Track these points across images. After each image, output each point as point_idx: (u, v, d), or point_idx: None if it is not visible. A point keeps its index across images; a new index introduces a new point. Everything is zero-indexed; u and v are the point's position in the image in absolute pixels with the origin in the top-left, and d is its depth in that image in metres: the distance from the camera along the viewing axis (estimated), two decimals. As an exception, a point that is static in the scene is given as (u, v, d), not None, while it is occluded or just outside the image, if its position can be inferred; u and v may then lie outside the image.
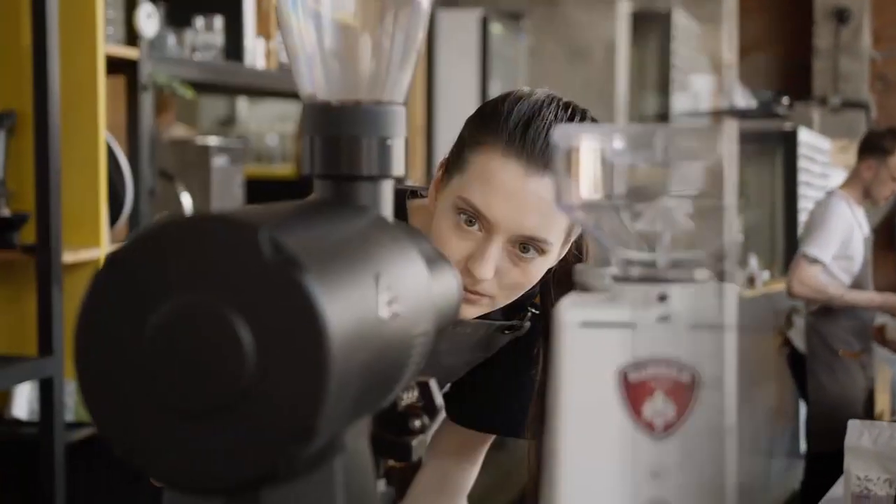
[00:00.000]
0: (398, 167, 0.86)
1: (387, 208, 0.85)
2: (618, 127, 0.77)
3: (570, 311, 0.71)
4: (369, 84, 0.86)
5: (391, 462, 0.92)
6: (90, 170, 2.54)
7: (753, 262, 6.40)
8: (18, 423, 2.70)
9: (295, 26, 0.86)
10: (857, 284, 4.42)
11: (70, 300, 2.45)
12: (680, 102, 5.36)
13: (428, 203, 1.38)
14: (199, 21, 3.09)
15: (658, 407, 0.70)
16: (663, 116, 7.35)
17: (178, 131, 4.10)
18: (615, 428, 0.70)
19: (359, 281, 0.69)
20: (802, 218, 7.19)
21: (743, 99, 5.75)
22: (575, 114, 1.29)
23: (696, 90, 5.40)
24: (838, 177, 8.35)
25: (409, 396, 0.92)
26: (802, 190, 7.08)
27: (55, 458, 2.44)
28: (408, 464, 0.89)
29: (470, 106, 5.71)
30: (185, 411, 0.64)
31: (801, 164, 6.95)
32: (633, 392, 0.70)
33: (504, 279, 1.29)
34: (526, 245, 1.27)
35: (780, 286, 6.60)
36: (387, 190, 0.86)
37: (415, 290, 0.78)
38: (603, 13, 5.59)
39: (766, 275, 6.22)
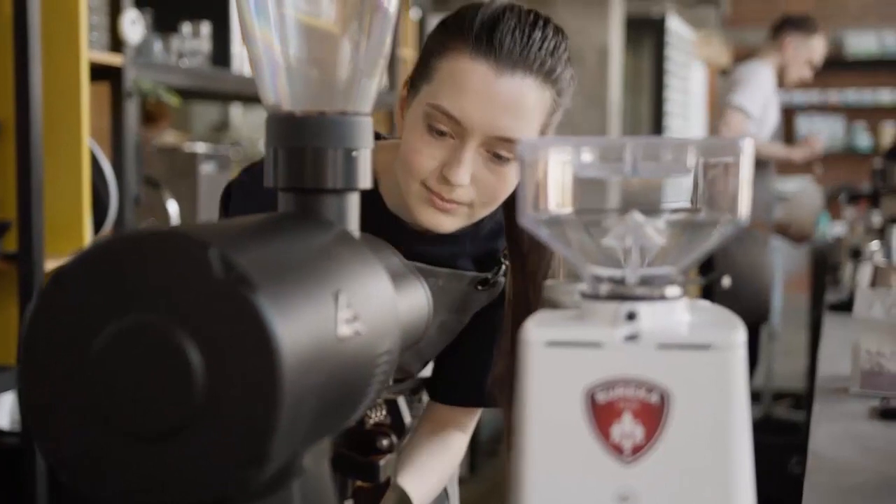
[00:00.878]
0: (364, 179, 0.84)
1: (353, 222, 0.83)
2: (585, 140, 0.75)
3: (535, 330, 0.69)
4: (335, 94, 0.84)
5: (358, 482, 0.90)
6: (73, 177, 2.52)
7: None
8: (1, 432, 2.68)
9: (258, 34, 0.83)
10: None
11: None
12: None
13: (396, 122, 1.37)
14: (186, 27, 3.07)
15: (626, 429, 0.68)
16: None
17: (170, 138, 4.07)
18: (582, 450, 0.68)
19: (316, 299, 0.67)
20: (668, 108, 7.34)
21: None
22: (538, 18, 1.28)
23: None
24: (698, 69, 8.53)
25: (377, 415, 0.90)
26: (666, 79, 7.20)
27: (37, 468, 2.41)
28: (376, 484, 0.87)
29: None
30: (132, 434, 0.62)
31: (668, 52, 7.05)
32: (601, 414, 0.68)
33: (481, 186, 1.27)
34: (499, 154, 1.26)
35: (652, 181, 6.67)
36: (353, 203, 0.83)
37: (378, 307, 0.75)
38: (596, 19, 5.57)
39: None
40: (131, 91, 2.69)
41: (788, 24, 4.61)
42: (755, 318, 4.53)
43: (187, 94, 3.30)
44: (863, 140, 10.18)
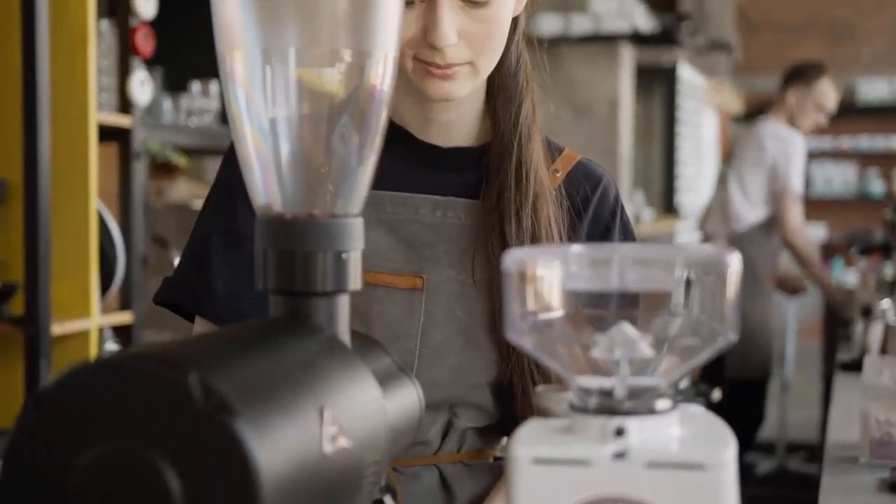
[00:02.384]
0: (355, 281, 0.83)
1: (342, 324, 0.82)
2: (573, 252, 0.75)
3: (522, 447, 0.68)
4: (325, 195, 0.83)
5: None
6: (81, 239, 2.52)
7: (639, 198, 6.40)
8: (7, 494, 2.66)
9: (248, 136, 0.83)
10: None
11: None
12: (579, 24, 5.35)
13: None
14: (195, 86, 3.09)
15: (614, 551, 0.66)
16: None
17: (183, 189, 4.09)
18: (570, 570, 0.67)
19: (300, 417, 0.66)
20: (679, 156, 7.35)
21: (644, 21, 5.71)
22: None
23: (596, 11, 5.36)
24: (710, 115, 8.56)
25: None
26: (678, 127, 7.22)
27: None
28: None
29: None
30: (111, 561, 0.61)
31: (679, 100, 7.07)
32: (589, 534, 0.66)
33: (471, 38, 1.19)
34: (474, 0, 1.17)
35: (666, 225, 6.67)
36: (343, 305, 0.83)
37: (366, 417, 0.75)
38: (606, 70, 5.59)
39: (650, 213, 6.25)
40: (139, 152, 2.70)
41: (790, 76, 4.65)
42: (761, 372, 4.51)
43: (197, 152, 3.31)
44: (875, 186, 10.16)
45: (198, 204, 3.33)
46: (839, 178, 10.24)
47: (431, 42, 1.17)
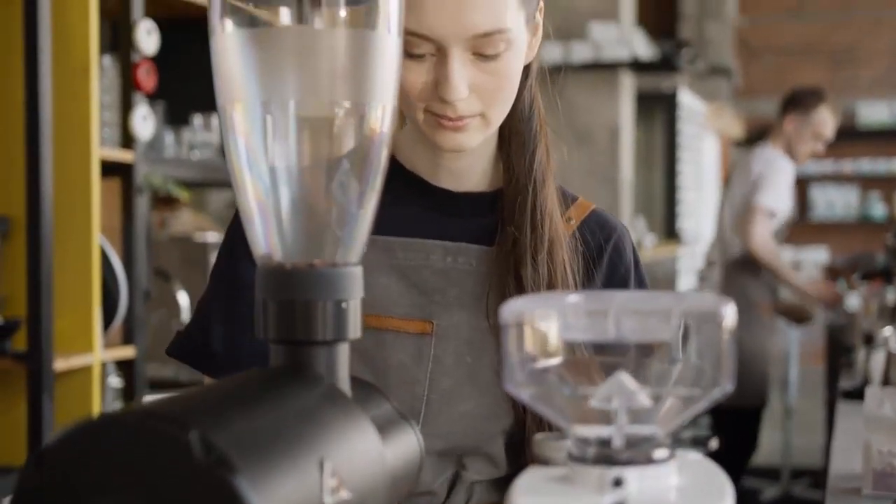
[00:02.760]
0: (355, 329, 0.84)
1: (342, 372, 0.83)
2: (569, 302, 0.76)
3: (521, 497, 0.69)
4: (325, 244, 0.84)
5: None
6: (84, 274, 2.53)
7: (641, 224, 6.40)
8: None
9: (249, 186, 0.84)
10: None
11: (61, 409, 2.42)
12: (580, 52, 5.36)
13: None
14: (197, 119, 3.10)
15: None
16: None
17: (186, 219, 4.10)
18: None
19: (300, 471, 0.67)
20: (680, 181, 7.36)
21: (644, 49, 5.72)
22: None
23: (596, 39, 5.37)
24: (711, 140, 8.59)
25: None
26: (679, 152, 7.23)
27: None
28: None
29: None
30: None
31: (679, 126, 7.09)
32: (587, 586, 0.67)
33: (481, 91, 1.18)
34: (486, 53, 1.16)
35: (668, 250, 6.68)
36: (343, 353, 0.83)
37: (365, 467, 0.75)
38: (606, 97, 5.61)
39: (652, 238, 6.25)
40: (142, 186, 2.71)
41: (788, 103, 4.66)
42: (757, 400, 4.50)
43: (199, 185, 3.33)
44: (877, 209, 10.18)
45: (200, 236, 3.35)
46: (841, 202, 10.25)
47: (442, 96, 1.16)
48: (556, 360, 0.73)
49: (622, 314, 0.71)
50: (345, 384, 0.83)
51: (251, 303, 1.01)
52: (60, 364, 2.46)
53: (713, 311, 0.69)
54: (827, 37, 10.21)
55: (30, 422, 2.38)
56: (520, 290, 1.21)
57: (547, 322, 0.72)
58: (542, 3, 1.25)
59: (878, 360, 3.04)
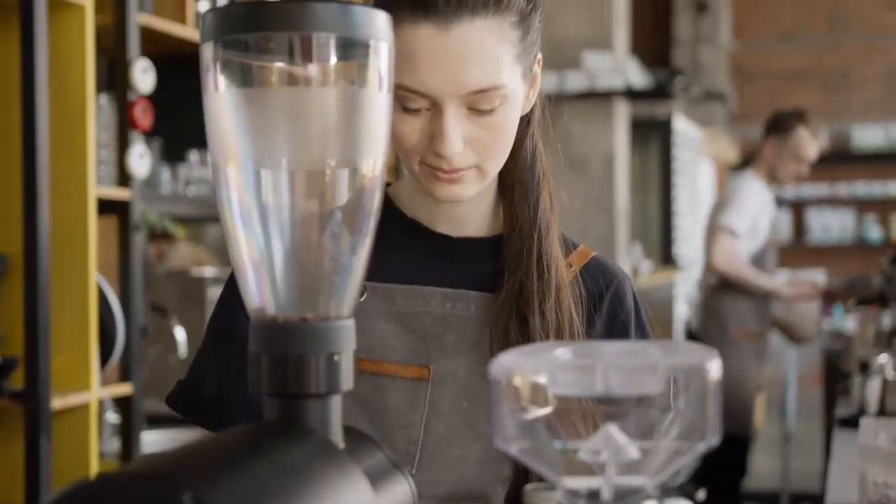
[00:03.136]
0: (347, 382, 0.85)
1: (335, 424, 0.84)
2: (558, 359, 0.77)
3: (512, 552, 0.70)
4: (318, 297, 0.85)
5: None
6: (81, 313, 2.54)
7: (637, 250, 6.40)
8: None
9: (242, 241, 0.85)
10: (755, 262, 4.52)
11: (59, 447, 2.43)
12: (574, 81, 5.38)
13: None
14: (193, 155, 3.12)
15: None
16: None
17: (184, 252, 4.11)
18: None
19: (293, 528, 0.68)
20: (676, 207, 7.37)
21: (638, 77, 5.74)
22: None
23: (590, 68, 5.39)
24: (707, 165, 8.62)
25: None
26: (674, 178, 7.25)
27: None
28: None
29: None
30: None
31: (675, 152, 7.11)
32: None
33: (477, 145, 1.18)
34: (481, 108, 1.16)
35: (664, 276, 6.68)
36: (335, 405, 0.84)
37: (358, 521, 0.76)
38: (601, 125, 5.63)
39: (648, 265, 6.25)
40: (139, 224, 2.72)
41: (768, 126, 4.68)
42: (740, 430, 4.47)
43: (196, 220, 3.34)
44: (873, 232, 10.20)
45: (197, 270, 3.36)
46: (837, 225, 10.28)
47: (437, 150, 1.17)
48: (545, 413, 0.74)
49: (610, 369, 0.72)
50: (337, 436, 0.84)
51: (245, 355, 1.02)
52: (58, 402, 2.46)
53: (699, 366, 0.71)
54: (820, 61, 10.26)
55: (27, 461, 2.38)
56: (525, 337, 1.22)
57: (536, 377, 0.73)
58: (539, 55, 1.26)
59: (873, 388, 3.04)
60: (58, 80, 2.53)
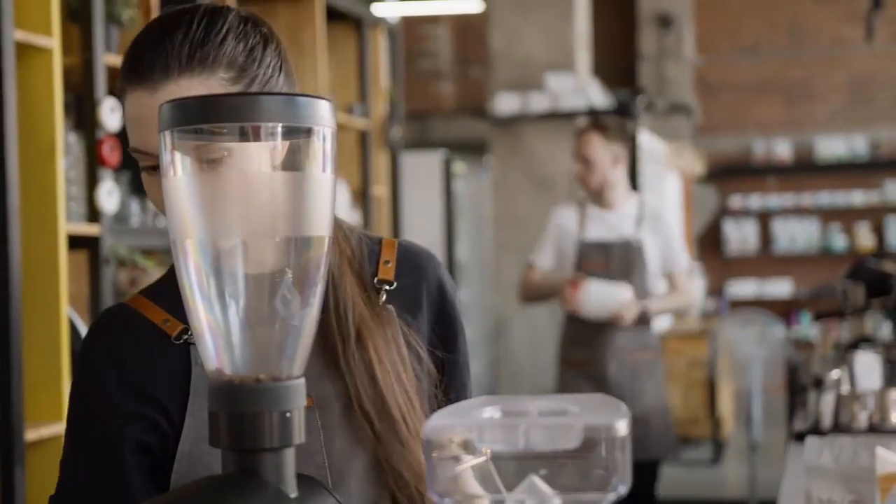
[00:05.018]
0: (299, 435, 0.93)
1: (288, 475, 0.92)
2: (485, 420, 0.85)
3: None
4: (271, 359, 0.93)
5: None
6: (53, 346, 2.60)
7: None
8: None
9: (201, 312, 0.93)
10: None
11: (34, 478, 2.49)
12: (538, 102, 5.39)
13: None
14: (162, 187, 3.19)
15: None
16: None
17: (156, 275, 4.17)
18: None
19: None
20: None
21: (600, 98, 5.78)
22: (181, 16, 1.22)
23: (553, 90, 5.41)
24: (673, 178, 8.75)
25: None
26: (641, 193, 7.35)
27: None
28: None
29: (436, 244, 5.75)
30: None
31: (640, 167, 7.23)
32: None
33: None
34: (213, 158, 1.10)
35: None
36: (289, 458, 0.92)
37: (308, 567, 0.84)
38: (564, 143, 5.73)
39: None
40: (109, 258, 2.79)
41: None
42: (663, 454, 4.30)
43: (167, 251, 3.41)
44: (838, 241, 10.36)
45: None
46: (802, 235, 10.43)
47: None
48: (472, 469, 0.83)
49: (531, 428, 0.80)
50: (291, 486, 0.92)
51: (113, 451, 1.05)
52: (31, 434, 2.53)
53: (610, 425, 0.79)
54: (782, 73, 10.43)
55: (2, 493, 2.44)
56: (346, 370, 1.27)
57: (465, 435, 0.81)
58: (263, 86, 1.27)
59: (827, 403, 3.12)
60: (27, 120, 2.59)
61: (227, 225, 0.91)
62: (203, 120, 0.89)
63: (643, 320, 4.18)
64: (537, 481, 0.81)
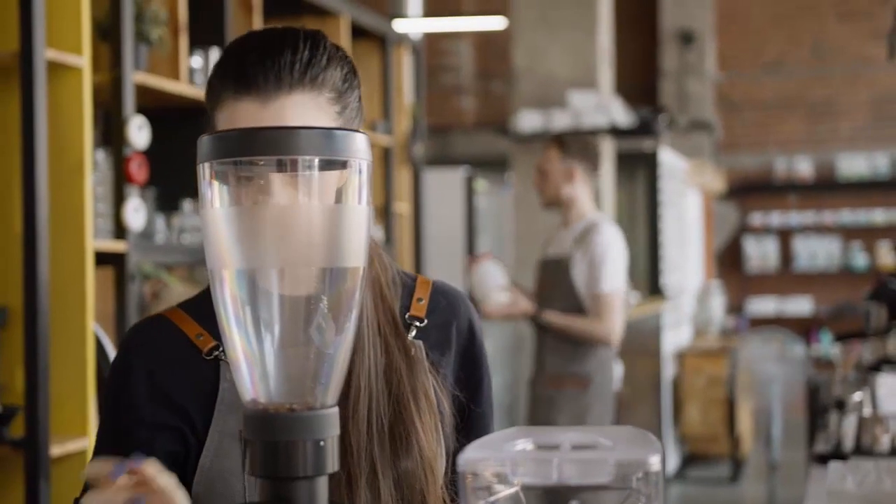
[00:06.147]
0: (333, 464, 0.94)
1: (321, 502, 0.93)
2: (515, 453, 0.86)
3: None
4: (305, 389, 0.95)
5: None
6: (79, 362, 2.63)
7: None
8: None
9: (237, 341, 0.94)
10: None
11: (58, 493, 2.51)
12: (560, 120, 5.40)
13: None
14: (188, 204, 3.21)
15: None
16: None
17: (179, 291, 4.19)
18: None
19: None
20: (664, 238, 7.45)
21: (622, 116, 5.78)
22: (285, 35, 1.25)
23: (576, 107, 5.41)
24: (693, 195, 8.74)
25: None
26: (661, 210, 7.35)
27: None
28: None
29: (457, 260, 5.68)
30: None
31: (661, 184, 7.21)
32: None
33: None
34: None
35: (651, 308, 6.76)
36: (322, 486, 0.93)
37: None
38: (586, 161, 5.73)
39: (636, 296, 6.31)
40: (134, 275, 2.81)
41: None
42: None
43: (190, 266, 3.44)
44: (859, 260, 10.31)
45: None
46: (823, 253, 10.39)
47: None
48: (507, 497, 0.83)
49: (564, 462, 0.81)
50: (325, 516, 0.93)
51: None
52: (56, 450, 2.55)
53: (642, 461, 0.80)
54: (805, 91, 10.40)
55: (28, 507, 2.47)
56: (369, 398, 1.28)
57: (498, 469, 0.82)
58: (350, 116, 1.30)
59: (849, 425, 3.10)
60: (57, 137, 2.62)
61: (264, 256, 0.92)
62: (242, 153, 0.91)
63: (572, 340, 3.95)
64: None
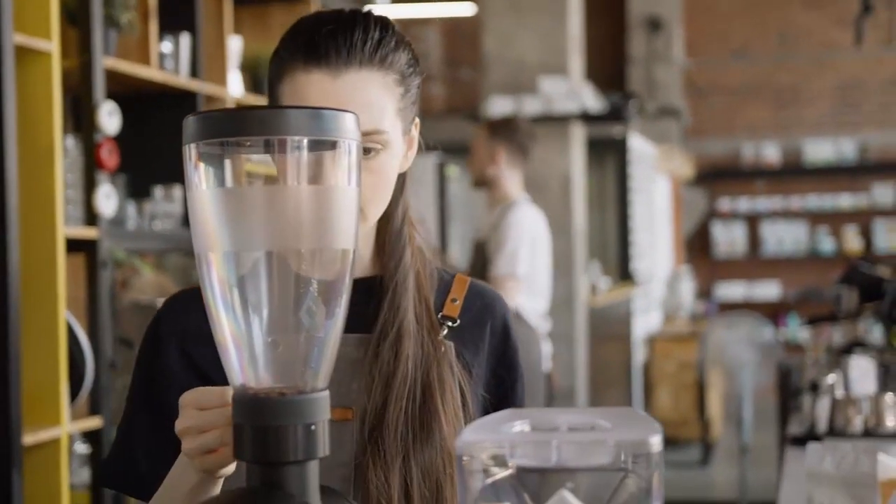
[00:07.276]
0: (324, 448, 0.93)
1: (312, 488, 0.92)
2: (514, 434, 0.85)
3: None
4: (295, 372, 0.93)
5: None
6: (51, 349, 2.59)
7: (596, 268, 6.53)
8: None
9: (224, 323, 0.93)
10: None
11: (31, 482, 2.48)
12: (531, 105, 5.42)
13: None
14: (159, 191, 3.18)
15: None
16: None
17: (149, 279, 4.15)
18: None
19: None
20: (634, 224, 7.51)
21: (593, 102, 5.80)
22: (356, 14, 1.28)
23: (547, 93, 5.44)
24: (662, 181, 8.80)
25: None
26: (631, 195, 7.41)
27: None
28: None
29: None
30: None
31: (631, 169, 7.26)
32: None
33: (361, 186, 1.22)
34: (365, 147, 1.21)
35: (622, 294, 6.80)
36: (313, 471, 0.92)
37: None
38: (558, 147, 5.73)
39: (606, 281, 6.32)
40: (106, 261, 2.78)
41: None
42: None
43: (161, 252, 3.41)
44: (826, 244, 10.39)
45: (160, 301, 3.40)
46: (790, 238, 10.46)
47: None
48: (504, 483, 0.82)
49: (563, 443, 0.80)
50: (315, 498, 0.92)
51: (172, 419, 1.07)
52: (29, 439, 2.52)
53: (644, 441, 0.79)
54: (771, 77, 10.45)
55: (0, 496, 2.43)
56: (371, 376, 1.28)
57: (496, 451, 0.81)
58: (418, 120, 1.34)
59: (823, 407, 3.12)
60: (26, 124, 2.58)
61: (251, 236, 0.91)
62: (229, 133, 0.89)
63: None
64: (567, 495, 0.81)
